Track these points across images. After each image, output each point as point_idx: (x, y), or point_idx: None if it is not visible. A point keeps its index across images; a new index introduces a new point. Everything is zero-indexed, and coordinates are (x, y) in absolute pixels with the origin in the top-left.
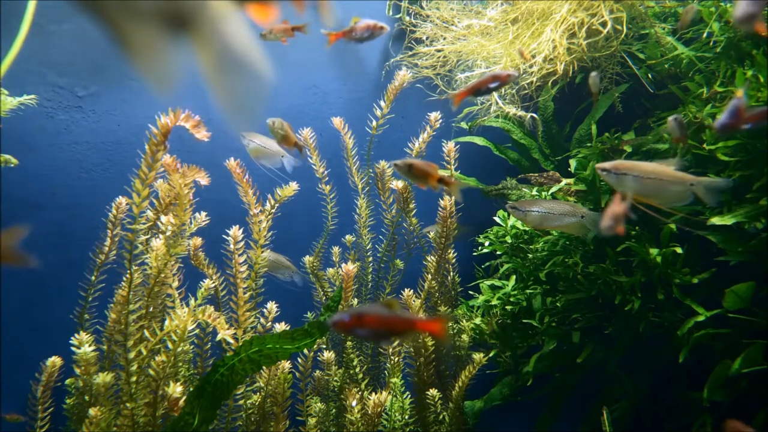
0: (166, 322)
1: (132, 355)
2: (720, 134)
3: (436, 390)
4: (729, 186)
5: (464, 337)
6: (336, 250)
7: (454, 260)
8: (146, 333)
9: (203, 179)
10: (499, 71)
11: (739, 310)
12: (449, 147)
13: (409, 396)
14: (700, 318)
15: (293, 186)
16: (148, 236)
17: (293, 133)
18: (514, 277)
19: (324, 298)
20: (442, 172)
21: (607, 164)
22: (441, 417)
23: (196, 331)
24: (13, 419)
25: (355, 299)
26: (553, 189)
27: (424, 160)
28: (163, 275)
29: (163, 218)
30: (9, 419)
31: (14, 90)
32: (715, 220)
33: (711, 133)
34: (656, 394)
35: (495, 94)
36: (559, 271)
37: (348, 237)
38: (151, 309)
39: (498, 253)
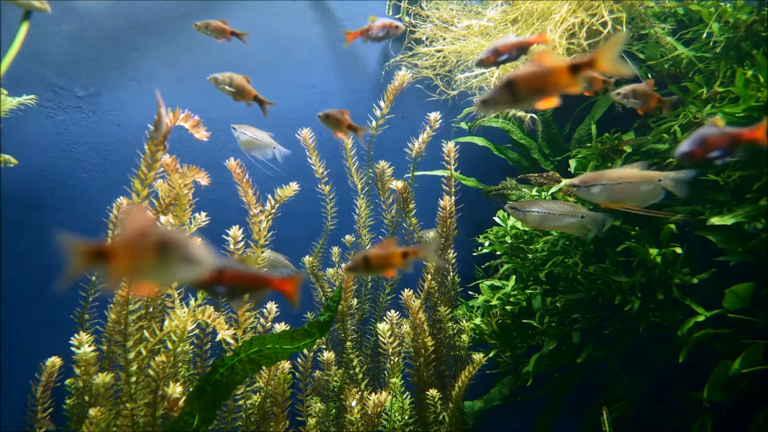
0: (166, 323)
1: (132, 355)
2: (681, 162)
3: (436, 390)
4: (693, 177)
5: (464, 337)
6: (336, 250)
7: (454, 260)
8: (146, 333)
9: (203, 179)
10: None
11: (739, 310)
12: (449, 147)
13: (409, 396)
14: (700, 318)
15: (293, 186)
16: None
17: (250, 86)
18: (513, 277)
19: (324, 298)
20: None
21: (575, 180)
22: (441, 417)
23: (196, 331)
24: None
25: (355, 299)
26: (553, 189)
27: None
28: None
29: (163, 218)
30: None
31: (14, 90)
32: (715, 220)
33: None
34: (656, 394)
35: None
36: (559, 271)
37: (348, 237)
38: (150, 309)
39: (498, 253)
